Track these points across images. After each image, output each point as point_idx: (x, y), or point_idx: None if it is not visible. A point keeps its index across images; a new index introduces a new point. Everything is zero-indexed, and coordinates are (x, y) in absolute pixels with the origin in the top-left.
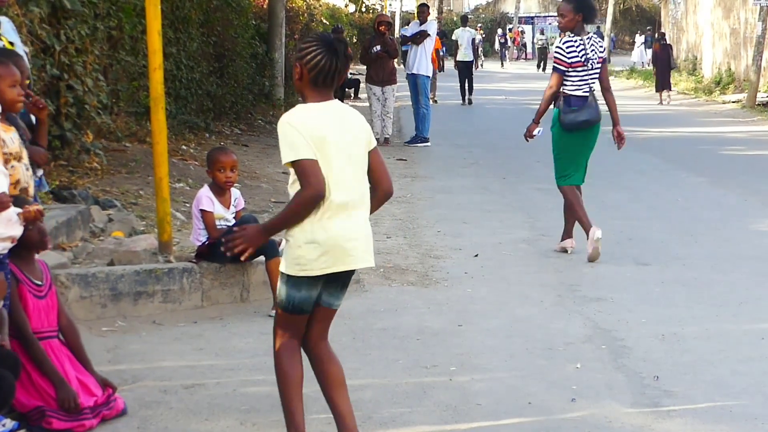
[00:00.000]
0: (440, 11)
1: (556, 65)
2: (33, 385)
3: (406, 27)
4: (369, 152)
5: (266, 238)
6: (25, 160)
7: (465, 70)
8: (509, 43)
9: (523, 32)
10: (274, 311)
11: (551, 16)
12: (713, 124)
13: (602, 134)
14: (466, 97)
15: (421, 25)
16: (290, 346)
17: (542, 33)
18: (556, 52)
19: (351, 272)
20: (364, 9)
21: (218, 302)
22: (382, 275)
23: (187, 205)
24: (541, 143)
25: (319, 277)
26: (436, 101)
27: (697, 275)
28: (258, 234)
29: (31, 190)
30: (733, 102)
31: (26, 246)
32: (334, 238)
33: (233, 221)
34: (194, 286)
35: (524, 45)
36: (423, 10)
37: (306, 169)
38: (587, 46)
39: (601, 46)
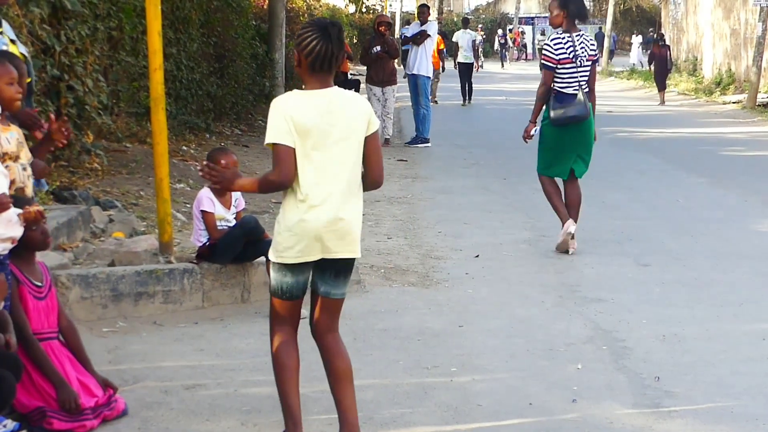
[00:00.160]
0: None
1: (544, 62)
2: (34, 386)
3: (407, 27)
4: (366, 137)
5: (237, 188)
6: (22, 159)
7: (465, 72)
8: (509, 43)
9: (523, 33)
10: None
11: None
12: (714, 124)
13: (601, 134)
14: (465, 101)
15: (421, 25)
16: (285, 334)
17: (543, 34)
18: (544, 49)
19: (342, 261)
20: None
21: (219, 303)
22: (383, 276)
23: (188, 205)
24: None
25: (306, 264)
26: (436, 102)
27: (697, 275)
28: (232, 181)
29: (28, 190)
30: (734, 103)
31: (27, 246)
32: (310, 227)
33: (234, 222)
34: (195, 287)
35: (524, 46)
36: (423, 11)
37: (279, 155)
38: (576, 44)
39: (591, 45)
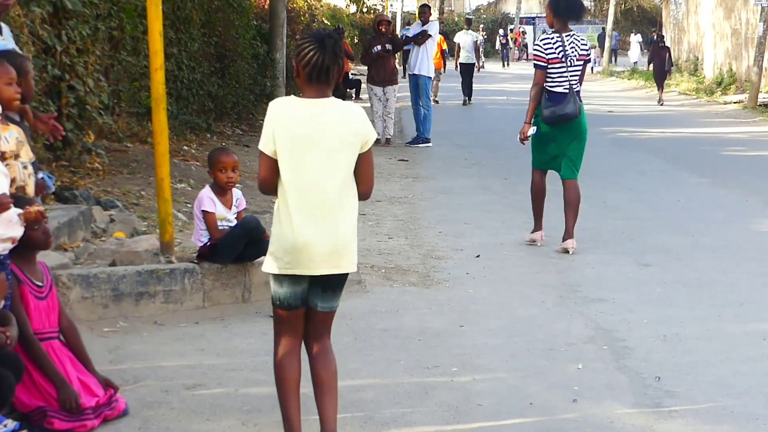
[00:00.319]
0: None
1: (535, 62)
2: (35, 386)
3: (407, 27)
4: (360, 154)
5: None
6: (23, 158)
7: (467, 72)
8: (510, 44)
9: (524, 33)
10: None
11: None
12: (714, 124)
13: (602, 134)
14: (466, 102)
15: (423, 25)
16: (287, 346)
17: (544, 33)
18: (534, 49)
19: (330, 277)
20: (365, 9)
21: (220, 303)
22: (384, 276)
23: (189, 205)
24: None
25: (299, 275)
26: (437, 101)
27: (698, 275)
28: None
29: (29, 189)
30: (735, 103)
31: (29, 246)
32: (296, 240)
33: (235, 222)
34: (196, 287)
35: (525, 46)
36: (424, 11)
37: (261, 162)
38: (566, 44)
39: (583, 45)
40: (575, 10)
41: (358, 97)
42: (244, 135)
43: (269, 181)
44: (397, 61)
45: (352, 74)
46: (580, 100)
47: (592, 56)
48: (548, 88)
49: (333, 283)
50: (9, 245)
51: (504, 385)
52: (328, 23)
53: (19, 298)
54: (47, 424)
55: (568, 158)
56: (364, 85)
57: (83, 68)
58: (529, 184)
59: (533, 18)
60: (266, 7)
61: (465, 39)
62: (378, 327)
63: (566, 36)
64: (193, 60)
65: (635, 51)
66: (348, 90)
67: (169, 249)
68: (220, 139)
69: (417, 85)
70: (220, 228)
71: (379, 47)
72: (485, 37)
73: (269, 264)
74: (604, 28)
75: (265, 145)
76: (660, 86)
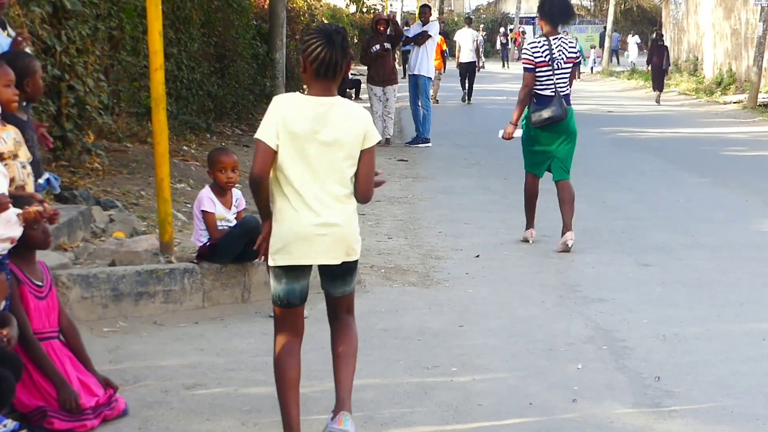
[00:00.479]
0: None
1: (524, 65)
2: (34, 386)
3: (408, 28)
4: (361, 150)
5: (264, 221)
6: (21, 158)
7: (467, 71)
8: (510, 44)
9: (524, 33)
10: None
11: None
12: (714, 124)
13: (602, 134)
14: (466, 99)
15: (423, 26)
16: (287, 345)
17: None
18: (523, 54)
19: (338, 266)
20: (365, 9)
21: (219, 303)
22: (383, 276)
23: (189, 205)
24: None
25: (302, 270)
26: (437, 101)
27: (698, 276)
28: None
29: (29, 188)
30: (735, 103)
31: (29, 246)
32: (297, 231)
33: (234, 222)
34: (195, 287)
35: None
36: (425, 11)
37: (257, 150)
38: (553, 47)
39: (571, 48)
40: (563, 13)
41: (357, 97)
42: (244, 135)
43: (265, 174)
44: (397, 61)
45: (351, 74)
46: (568, 103)
47: (592, 56)
48: (535, 92)
49: (344, 272)
50: (8, 245)
51: (504, 385)
52: (328, 23)
53: (18, 298)
54: (47, 424)
55: (558, 160)
56: (363, 85)
57: (83, 68)
58: None
59: (533, 18)
60: (266, 7)
61: (465, 38)
62: (377, 327)
63: (554, 39)
64: (192, 60)
65: (633, 51)
66: (348, 90)
67: (168, 249)
68: (220, 139)
69: (416, 85)
70: (219, 228)
71: (377, 47)
72: (485, 37)
73: (271, 258)
74: (605, 28)
75: (268, 137)
76: (659, 86)
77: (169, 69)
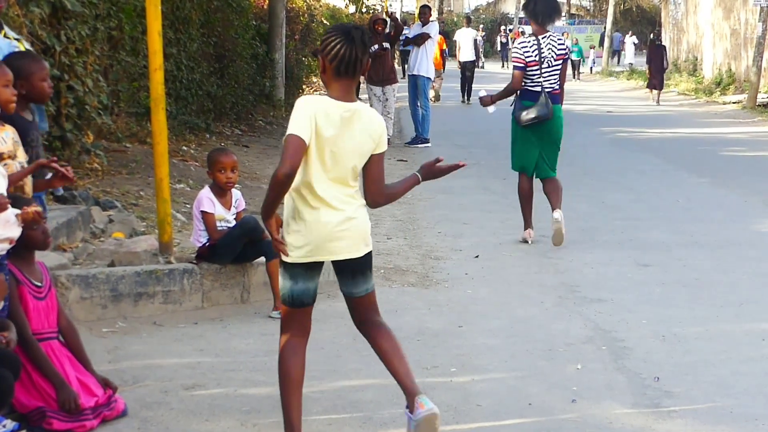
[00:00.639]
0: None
1: (515, 63)
2: (34, 386)
3: (407, 27)
4: (373, 154)
5: (266, 221)
6: (20, 158)
7: (467, 70)
8: (510, 43)
9: (523, 33)
10: (274, 312)
11: None
12: (714, 124)
13: (601, 134)
14: (465, 98)
15: (423, 26)
16: (294, 344)
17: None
18: (513, 53)
19: (355, 261)
20: (364, 9)
21: (219, 303)
22: (383, 276)
23: (188, 206)
24: None
25: (314, 267)
26: (439, 97)
27: (697, 276)
28: (264, 221)
29: (28, 189)
30: (734, 103)
31: (28, 246)
32: (320, 229)
33: (234, 222)
34: (195, 287)
35: None
36: (424, 12)
37: (288, 145)
38: (542, 46)
39: (560, 45)
40: (548, 13)
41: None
42: (243, 135)
43: (296, 171)
44: (396, 61)
45: None
46: (558, 102)
47: (592, 56)
48: (526, 89)
49: (362, 265)
50: (7, 246)
51: (503, 385)
52: (327, 23)
53: (17, 299)
54: (46, 425)
55: (543, 159)
56: (363, 85)
57: (82, 68)
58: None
59: None
60: (265, 7)
61: (465, 37)
62: None
63: (542, 38)
64: (192, 60)
65: (630, 52)
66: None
67: (167, 249)
68: (219, 139)
69: (416, 85)
70: (219, 228)
71: (376, 46)
72: (484, 37)
73: (293, 257)
74: (605, 28)
75: (303, 132)
76: (658, 86)
77: (168, 69)
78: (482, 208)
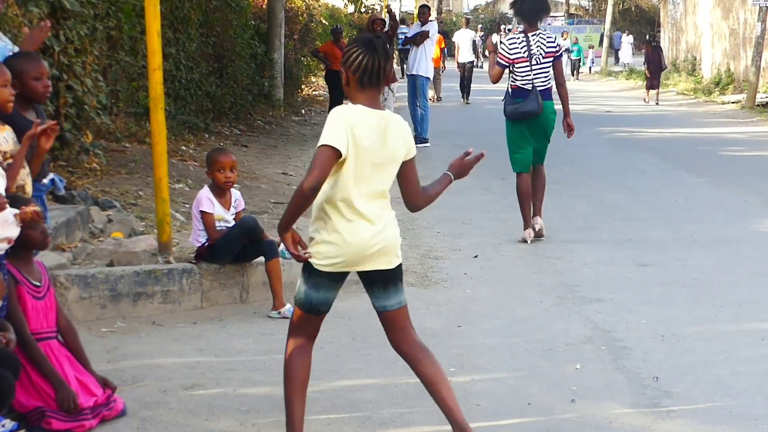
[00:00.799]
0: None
1: (499, 59)
2: (33, 386)
3: (405, 27)
4: (403, 162)
5: (282, 234)
6: None
7: (466, 70)
8: None
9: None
10: (273, 312)
11: (551, 17)
12: (713, 124)
13: (600, 134)
14: (464, 98)
15: (422, 26)
16: (301, 346)
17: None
18: (500, 49)
19: (386, 272)
20: (363, 9)
21: (218, 303)
22: None
23: (187, 205)
24: None
25: (339, 278)
26: (440, 98)
27: (697, 276)
28: (280, 234)
29: (28, 189)
30: (733, 103)
31: (27, 246)
32: (354, 242)
33: (233, 222)
34: (194, 287)
35: None
36: (424, 12)
37: (318, 157)
38: (531, 43)
39: (549, 43)
40: (534, 11)
41: None
42: (242, 135)
43: (323, 182)
44: (395, 60)
45: None
46: (548, 98)
47: (591, 56)
48: (517, 85)
49: (394, 276)
50: (5, 245)
51: (502, 385)
52: (326, 23)
53: (16, 299)
54: (45, 425)
55: (537, 152)
56: None
57: (81, 68)
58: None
59: None
60: (264, 6)
61: (464, 38)
62: (376, 327)
63: (532, 36)
64: (191, 60)
65: (626, 52)
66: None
67: (167, 249)
68: (218, 139)
69: (415, 85)
70: (218, 228)
71: None
72: (483, 38)
73: (322, 266)
74: (605, 28)
75: (340, 144)
76: (656, 86)
77: (167, 69)
78: (482, 208)
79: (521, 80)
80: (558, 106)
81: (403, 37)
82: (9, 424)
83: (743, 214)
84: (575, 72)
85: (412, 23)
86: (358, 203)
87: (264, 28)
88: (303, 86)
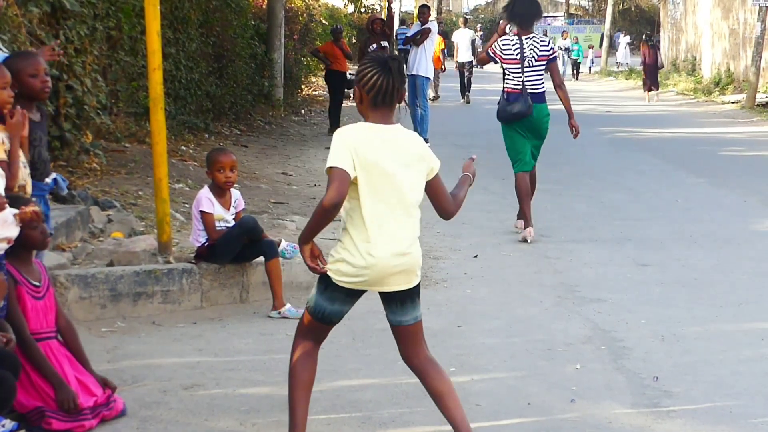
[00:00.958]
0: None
1: (488, 51)
2: (33, 386)
3: (404, 27)
4: (428, 181)
5: (303, 246)
6: (22, 158)
7: (465, 70)
8: None
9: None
10: (273, 312)
11: (551, 17)
12: (713, 124)
13: (600, 134)
14: (464, 97)
15: (422, 26)
16: (308, 348)
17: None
18: (494, 46)
19: (404, 291)
20: (363, 9)
21: (217, 303)
22: None
23: (187, 205)
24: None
25: (356, 294)
26: (438, 96)
27: (697, 276)
28: (300, 246)
29: (29, 188)
30: (733, 102)
31: (27, 246)
32: (373, 262)
33: (233, 222)
34: (194, 287)
35: None
36: (424, 11)
37: (333, 177)
38: (524, 46)
39: (542, 46)
40: (529, 15)
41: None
42: (242, 135)
43: (342, 201)
44: None
45: (350, 74)
46: (542, 101)
47: (590, 56)
48: (505, 87)
49: (411, 293)
50: (5, 245)
51: (502, 385)
52: (326, 23)
53: (16, 299)
54: (45, 425)
55: (527, 153)
56: None
57: (81, 68)
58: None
59: None
60: (264, 7)
61: (462, 38)
62: (376, 327)
63: (525, 39)
64: (191, 60)
65: (623, 52)
66: (346, 90)
67: (166, 249)
68: (218, 139)
69: (415, 85)
70: (218, 228)
71: (374, 46)
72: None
73: (333, 274)
74: (605, 28)
75: (345, 164)
76: (654, 86)
77: (167, 69)
78: (481, 208)
79: (513, 82)
80: (558, 107)
81: (403, 37)
82: (9, 424)
83: (743, 214)
84: (575, 72)
85: (412, 23)
86: (374, 221)
87: (264, 28)
88: (303, 86)
